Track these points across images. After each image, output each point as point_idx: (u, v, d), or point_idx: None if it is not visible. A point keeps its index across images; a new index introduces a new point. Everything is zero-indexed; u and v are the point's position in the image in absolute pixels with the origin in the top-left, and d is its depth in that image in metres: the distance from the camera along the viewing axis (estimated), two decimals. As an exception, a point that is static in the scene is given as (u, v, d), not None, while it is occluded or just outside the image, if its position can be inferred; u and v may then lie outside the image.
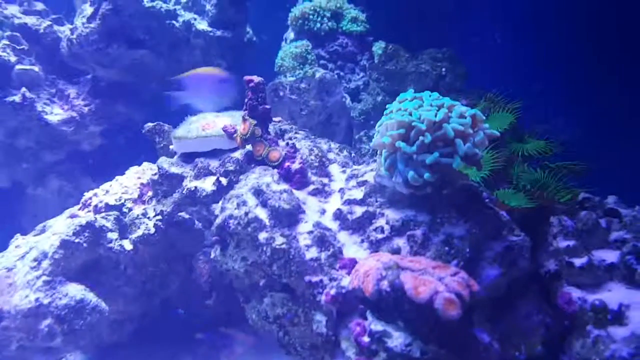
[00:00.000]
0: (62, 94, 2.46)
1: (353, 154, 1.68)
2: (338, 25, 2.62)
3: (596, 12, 2.83)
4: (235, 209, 1.23)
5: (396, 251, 1.20)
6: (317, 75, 2.38)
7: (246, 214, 1.20)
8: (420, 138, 1.19)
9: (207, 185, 1.41)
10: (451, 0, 2.90)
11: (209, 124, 1.54)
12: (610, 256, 1.37)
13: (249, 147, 1.44)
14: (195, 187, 1.41)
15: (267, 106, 1.48)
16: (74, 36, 2.30)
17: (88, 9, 2.31)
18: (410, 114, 1.23)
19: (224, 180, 1.42)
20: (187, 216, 1.58)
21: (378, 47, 2.56)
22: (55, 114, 2.39)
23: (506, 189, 1.49)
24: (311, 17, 2.57)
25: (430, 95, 1.31)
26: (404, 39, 2.62)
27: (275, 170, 1.36)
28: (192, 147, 1.54)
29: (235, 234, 1.22)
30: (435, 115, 1.21)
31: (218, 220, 1.26)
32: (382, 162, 1.27)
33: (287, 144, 1.41)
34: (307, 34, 2.59)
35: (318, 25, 2.54)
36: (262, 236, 1.17)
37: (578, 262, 1.36)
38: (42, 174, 2.54)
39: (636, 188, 1.65)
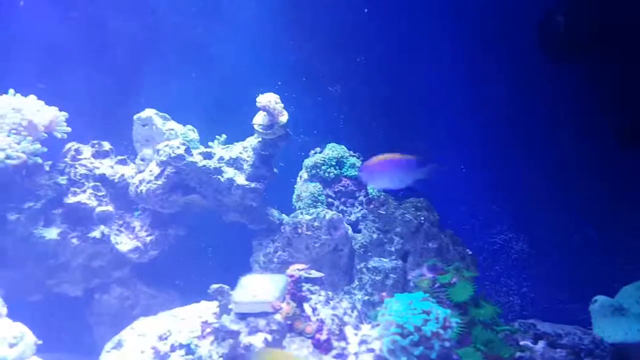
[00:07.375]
0: (128, 225, 3.16)
1: (358, 313, 2.44)
2: (341, 171, 3.41)
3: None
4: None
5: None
6: (327, 216, 3.15)
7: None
8: (410, 337, 1.97)
9: (257, 340, 2.16)
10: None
11: (257, 292, 2.28)
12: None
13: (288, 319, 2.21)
14: (250, 343, 2.16)
15: (303, 293, 2.23)
16: (143, 187, 3.02)
17: (154, 168, 3.03)
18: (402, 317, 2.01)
19: (269, 337, 2.17)
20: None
21: (371, 189, 3.37)
22: (124, 243, 3.09)
23: (468, 348, 2.28)
24: (322, 166, 3.36)
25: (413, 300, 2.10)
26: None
27: (310, 341, 2.13)
28: (246, 309, 2.28)
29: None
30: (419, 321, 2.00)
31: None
32: (384, 346, 2.05)
33: (316, 317, 2.19)
34: (318, 177, 3.38)
35: (326, 174, 3.34)
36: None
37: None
38: (107, 284, 3.23)
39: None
